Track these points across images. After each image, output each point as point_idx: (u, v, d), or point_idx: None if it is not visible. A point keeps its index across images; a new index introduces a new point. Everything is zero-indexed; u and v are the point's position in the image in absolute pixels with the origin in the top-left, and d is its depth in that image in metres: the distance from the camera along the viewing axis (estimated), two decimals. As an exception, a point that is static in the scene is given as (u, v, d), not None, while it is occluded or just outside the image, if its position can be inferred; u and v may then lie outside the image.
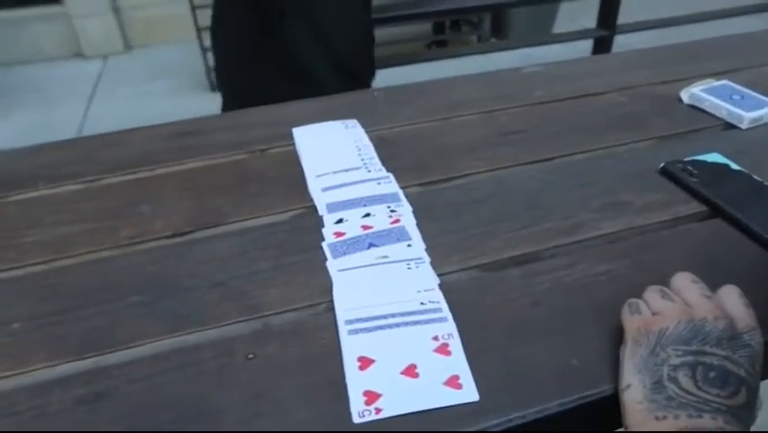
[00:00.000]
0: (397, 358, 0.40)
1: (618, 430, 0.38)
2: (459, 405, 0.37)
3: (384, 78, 0.99)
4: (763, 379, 0.41)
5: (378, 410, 0.37)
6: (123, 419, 0.38)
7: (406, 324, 0.43)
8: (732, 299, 0.39)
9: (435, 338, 0.42)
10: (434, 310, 0.44)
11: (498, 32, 3.24)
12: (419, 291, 0.46)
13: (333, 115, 0.73)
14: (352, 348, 0.41)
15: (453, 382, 0.39)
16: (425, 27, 3.31)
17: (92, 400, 0.39)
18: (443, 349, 0.41)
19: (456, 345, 0.41)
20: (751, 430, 0.36)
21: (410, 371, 0.40)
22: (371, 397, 0.38)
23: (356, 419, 0.37)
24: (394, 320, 0.43)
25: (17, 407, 0.39)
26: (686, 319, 0.38)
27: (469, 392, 0.38)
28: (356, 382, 0.39)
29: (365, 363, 0.40)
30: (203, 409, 0.38)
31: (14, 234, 0.55)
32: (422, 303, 0.45)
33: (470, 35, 3.38)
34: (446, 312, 0.44)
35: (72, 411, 0.38)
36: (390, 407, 0.37)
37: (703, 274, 0.42)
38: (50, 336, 0.44)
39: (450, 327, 0.43)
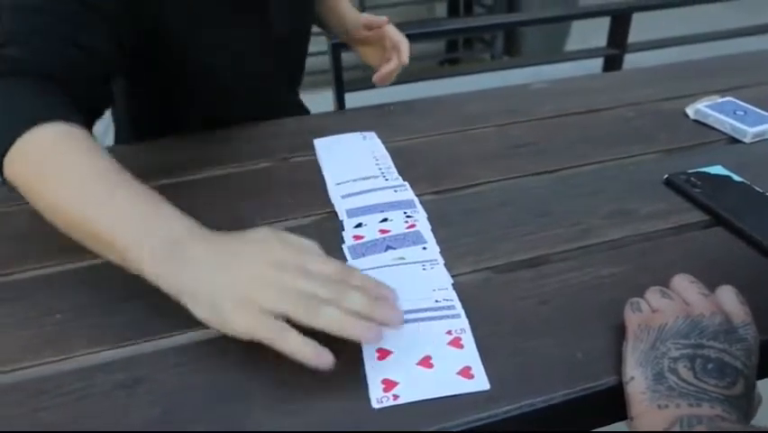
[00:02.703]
0: (413, 350, 0.43)
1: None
2: (471, 393, 0.40)
3: (398, 94, 1.02)
4: (762, 377, 0.43)
5: (395, 397, 0.40)
6: (158, 401, 0.41)
7: (422, 319, 0.46)
8: (728, 296, 0.42)
9: (449, 332, 0.44)
10: (448, 307, 0.47)
11: (511, 51, 3.29)
12: (434, 290, 0.49)
13: (351, 128, 0.77)
14: None
15: (466, 372, 0.41)
16: (439, 45, 3.36)
17: (130, 385, 0.42)
18: (456, 342, 0.44)
19: (468, 338, 0.44)
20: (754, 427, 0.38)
21: (425, 362, 0.42)
22: (389, 385, 0.41)
23: (375, 405, 0.39)
24: (410, 315, 0.46)
25: (63, 388, 0.42)
26: (684, 315, 0.40)
27: (480, 382, 0.41)
28: (375, 371, 0.42)
29: (383, 353, 0.43)
30: (231, 395, 0.41)
31: (56, 236, 0.59)
32: (436, 300, 0.48)
33: (483, 53, 3.43)
34: (459, 309, 0.47)
35: (112, 394, 0.42)
36: (407, 394, 0.40)
37: (704, 278, 0.45)
38: (89, 325, 0.47)
39: (462, 322, 0.45)
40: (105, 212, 0.46)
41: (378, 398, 0.40)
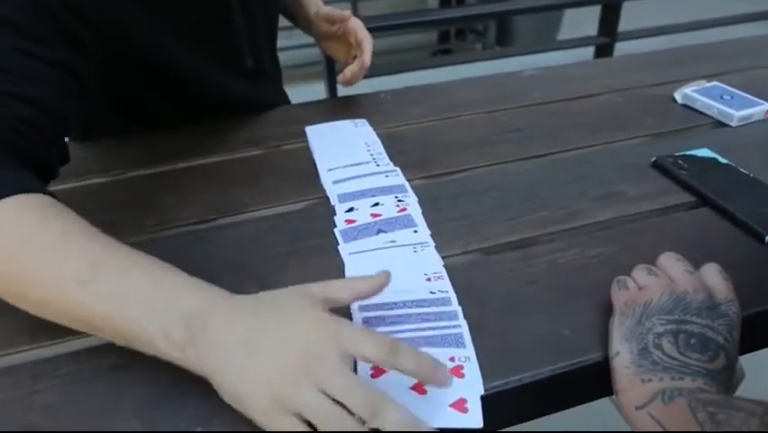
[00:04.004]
0: None
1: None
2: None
3: (390, 84, 1.03)
4: (746, 352, 0.44)
5: None
6: (148, 382, 0.41)
7: (420, 315, 0.45)
8: (712, 274, 0.43)
9: (452, 359, 0.41)
10: (444, 300, 0.46)
11: (503, 42, 3.29)
12: (426, 274, 0.49)
13: (342, 115, 0.78)
14: None
15: (460, 405, 0.38)
16: (431, 36, 3.36)
17: (122, 367, 0.42)
18: (457, 371, 0.41)
19: (471, 368, 0.41)
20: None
21: (419, 387, 0.39)
22: None
23: None
24: (406, 310, 0.45)
25: (59, 371, 0.42)
26: (669, 292, 0.41)
27: (473, 418, 0.38)
28: None
29: (378, 372, 0.41)
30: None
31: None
32: (431, 292, 0.47)
33: (475, 44, 3.43)
34: (454, 301, 0.46)
35: (106, 376, 0.42)
36: None
37: (690, 256, 0.46)
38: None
39: (468, 351, 0.42)
40: (92, 294, 0.40)
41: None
